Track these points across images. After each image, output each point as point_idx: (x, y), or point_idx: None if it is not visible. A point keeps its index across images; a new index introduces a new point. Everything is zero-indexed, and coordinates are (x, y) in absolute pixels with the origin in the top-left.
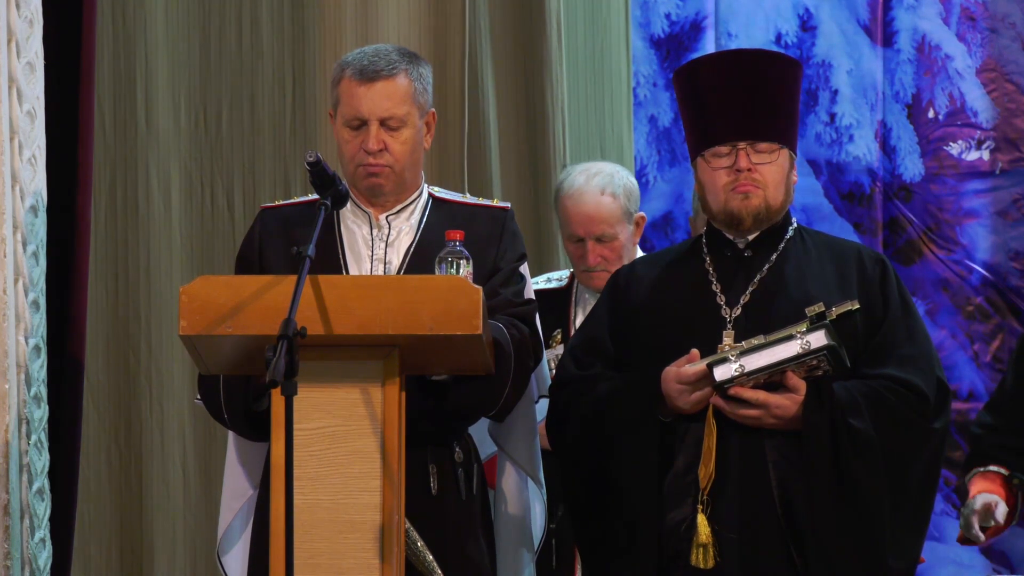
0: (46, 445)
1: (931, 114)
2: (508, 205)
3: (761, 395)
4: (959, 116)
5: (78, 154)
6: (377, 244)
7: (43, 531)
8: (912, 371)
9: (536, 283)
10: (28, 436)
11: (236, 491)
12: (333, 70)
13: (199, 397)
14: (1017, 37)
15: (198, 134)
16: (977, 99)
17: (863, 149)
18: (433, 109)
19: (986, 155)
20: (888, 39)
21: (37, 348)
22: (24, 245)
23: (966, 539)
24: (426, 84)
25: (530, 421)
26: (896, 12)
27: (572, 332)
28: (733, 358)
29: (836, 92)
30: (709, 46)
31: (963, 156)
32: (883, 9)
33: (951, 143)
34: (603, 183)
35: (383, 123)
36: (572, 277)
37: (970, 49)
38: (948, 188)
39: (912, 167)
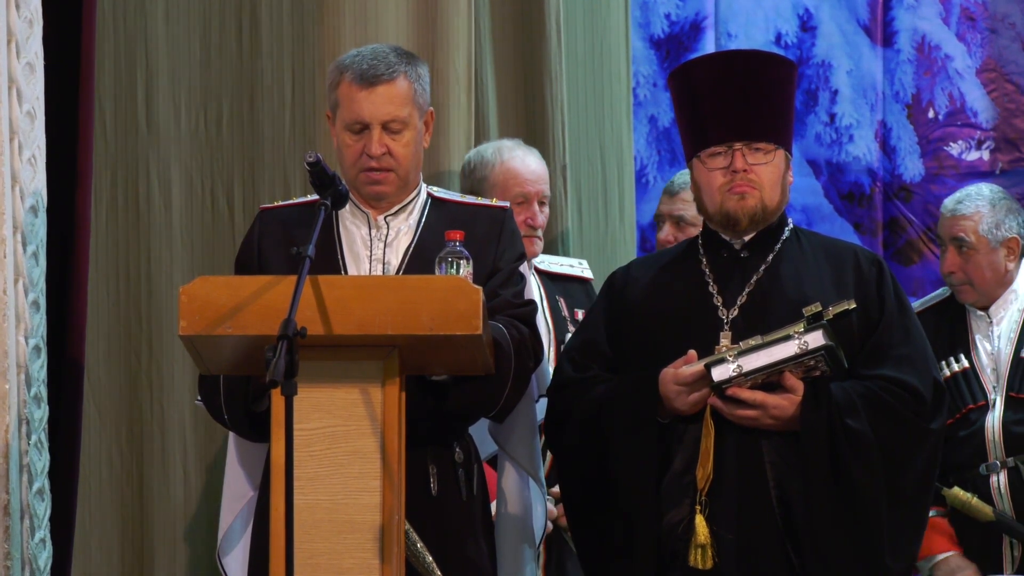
0: (46, 445)
1: (931, 114)
2: (507, 205)
3: (759, 395)
4: (959, 116)
5: (78, 154)
6: (376, 244)
7: (43, 531)
8: (909, 371)
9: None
10: (28, 436)
11: (236, 492)
12: (330, 72)
13: (199, 398)
14: (1017, 37)
15: (198, 134)
16: (977, 99)
17: (863, 149)
18: (431, 108)
19: (986, 155)
20: (888, 39)
21: (37, 348)
22: (24, 245)
23: None
24: (424, 84)
25: (531, 421)
26: (896, 12)
27: None
28: (730, 359)
29: (836, 92)
30: (709, 46)
31: (963, 156)
32: (883, 9)
33: (951, 143)
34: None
35: (385, 127)
36: None
37: (970, 49)
38: (948, 188)
39: (912, 167)
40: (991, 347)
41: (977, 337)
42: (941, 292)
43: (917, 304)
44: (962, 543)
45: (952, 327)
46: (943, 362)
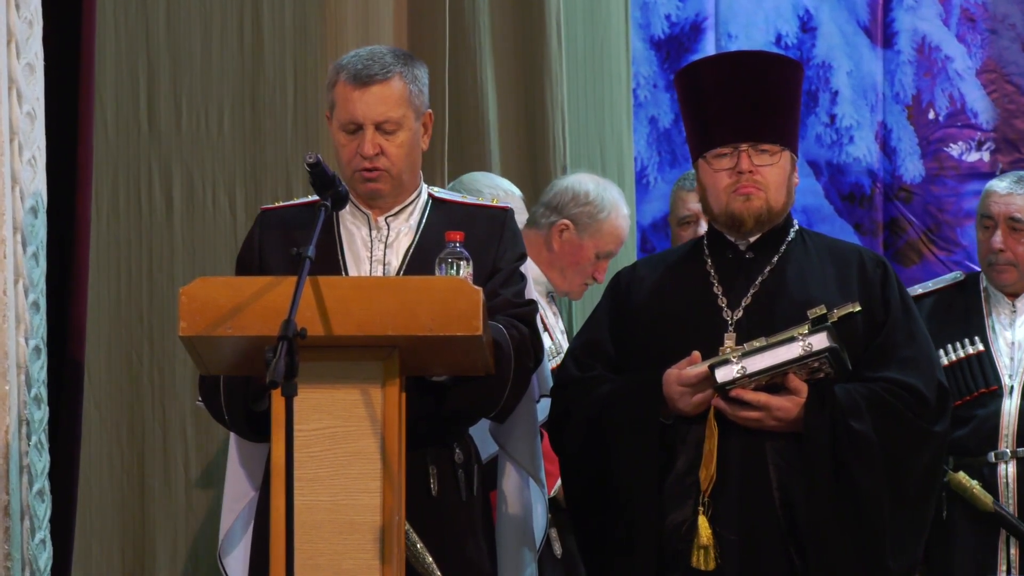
0: (46, 446)
1: (931, 115)
2: (508, 205)
3: (762, 397)
4: (959, 117)
5: (78, 155)
6: (376, 245)
7: (43, 532)
8: (913, 374)
9: None
10: (28, 437)
11: (237, 493)
12: (329, 72)
13: (200, 399)
14: (1017, 38)
15: (199, 135)
16: (977, 100)
17: (863, 150)
18: (430, 110)
19: (986, 156)
20: (888, 40)
21: (37, 349)
22: (24, 246)
23: None
24: (421, 86)
25: (531, 421)
26: (896, 13)
27: None
28: (734, 360)
29: (836, 93)
30: (709, 47)
31: (963, 157)
32: (883, 10)
33: (951, 144)
34: None
35: (378, 127)
36: None
37: (970, 50)
38: (948, 189)
39: (912, 168)
40: (1011, 335)
41: (996, 322)
42: (954, 276)
43: (931, 283)
44: (960, 543)
45: (967, 309)
46: (956, 343)
